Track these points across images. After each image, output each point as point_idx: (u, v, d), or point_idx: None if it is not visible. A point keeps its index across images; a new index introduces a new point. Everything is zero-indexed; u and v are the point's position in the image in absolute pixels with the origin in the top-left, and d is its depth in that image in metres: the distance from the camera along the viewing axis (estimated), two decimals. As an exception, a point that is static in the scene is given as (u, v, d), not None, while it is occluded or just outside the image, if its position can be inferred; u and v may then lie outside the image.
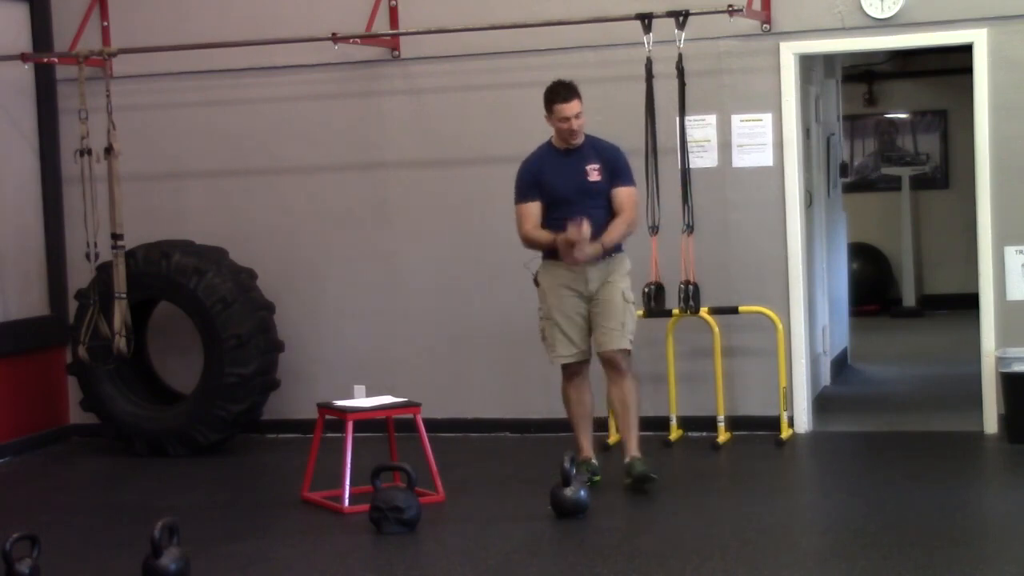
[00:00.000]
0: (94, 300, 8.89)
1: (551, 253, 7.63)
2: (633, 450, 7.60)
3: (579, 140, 7.64)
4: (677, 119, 8.31)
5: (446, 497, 7.57)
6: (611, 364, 7.62)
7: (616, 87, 8.98)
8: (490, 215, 9.31)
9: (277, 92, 9.62)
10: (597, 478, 7.63)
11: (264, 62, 9.52)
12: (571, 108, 7.54)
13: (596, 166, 7.60)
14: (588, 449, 7.76)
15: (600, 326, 7.60)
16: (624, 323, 7.59)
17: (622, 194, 7.60)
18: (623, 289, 7.61)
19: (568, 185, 7.59)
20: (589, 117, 8.93)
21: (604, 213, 7.57)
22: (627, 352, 7.63)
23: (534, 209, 7.62)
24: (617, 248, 7.63)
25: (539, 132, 9.19)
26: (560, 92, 7.57)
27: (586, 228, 7.34)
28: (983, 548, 6.45)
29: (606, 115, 9.04)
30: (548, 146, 7.74)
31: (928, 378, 11.00)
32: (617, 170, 7.62)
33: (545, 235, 7.58)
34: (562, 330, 7.66)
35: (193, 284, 9.01)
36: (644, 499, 7.40)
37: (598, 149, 7.67)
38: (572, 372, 7.74)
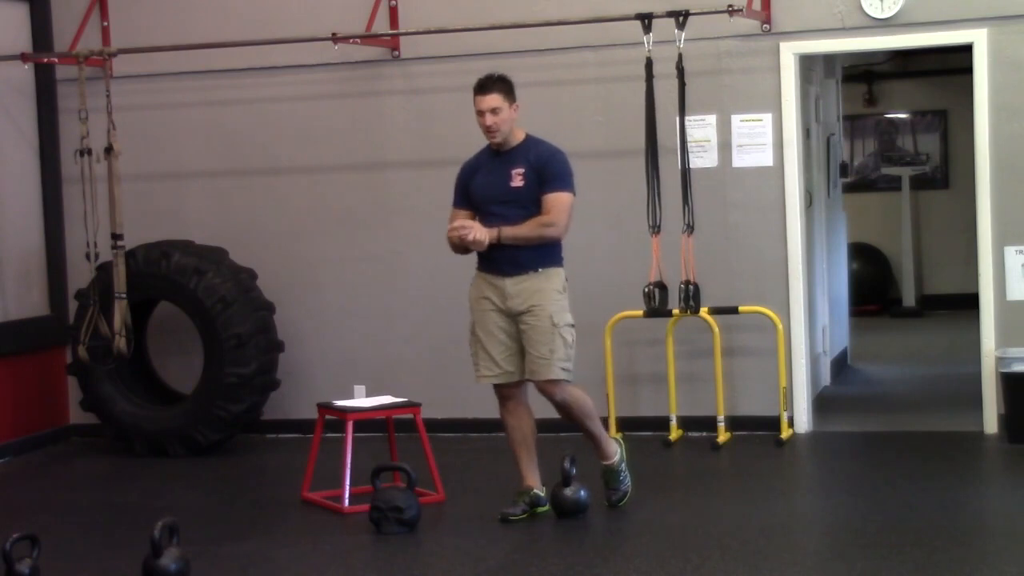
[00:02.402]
0: (94, 300, 8.89)
1: (480, 264, 7.11)
2: (605, 456, 7.25)
3: (497, 139, 6.97)
4: (677, 119, 8.30)
5: (446, 497, 7.57)
6: (544, 394, 7.10)
7: (616, 87, 8.99)
8: (490, 215, 9.31)
9: (277, 92, 9.62)
10: (541, 509, 7.14)
11: (264, 62, 9.52)
12: (486, 101, 6.91)
13: (521, 171, 6.95)
14: (530, 478, 7.16)
15: (528, 353, 7.01)
16: (553, 350, 6.94)
17: (547, 200, 6.90)
18: (551, 313, 6.94)
19: (492, 190, 7.00)
20: (588, 117, 8.99)
21: (519, 220, 6.95)
22: (558, 381, 7.00)
23: (459, 215, 7.11)
24: (545, 261, 7.00)
25: (538, 132, 9.21)
26: (480, 83, 6.97)
27: (471, 231, 6.88)
28: (983, 548, 6.45)
29: (606, 115, 9.06)
30: (487, 148, 7.13)
31: (928, 378, 11.00)
32: (547, 175, 6.95)
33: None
34: (484, 347, 7.10)
35: (193, 284, 9.01)
36: (644, 499, 7.39)
37: (533, 153, 7.01)
38: (503, 395, 7.18)
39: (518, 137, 7.09)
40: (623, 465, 7.32)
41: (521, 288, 7.00)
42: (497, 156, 7.09)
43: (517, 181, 7.00)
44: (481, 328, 7.13)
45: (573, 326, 7.07)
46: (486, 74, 7.08)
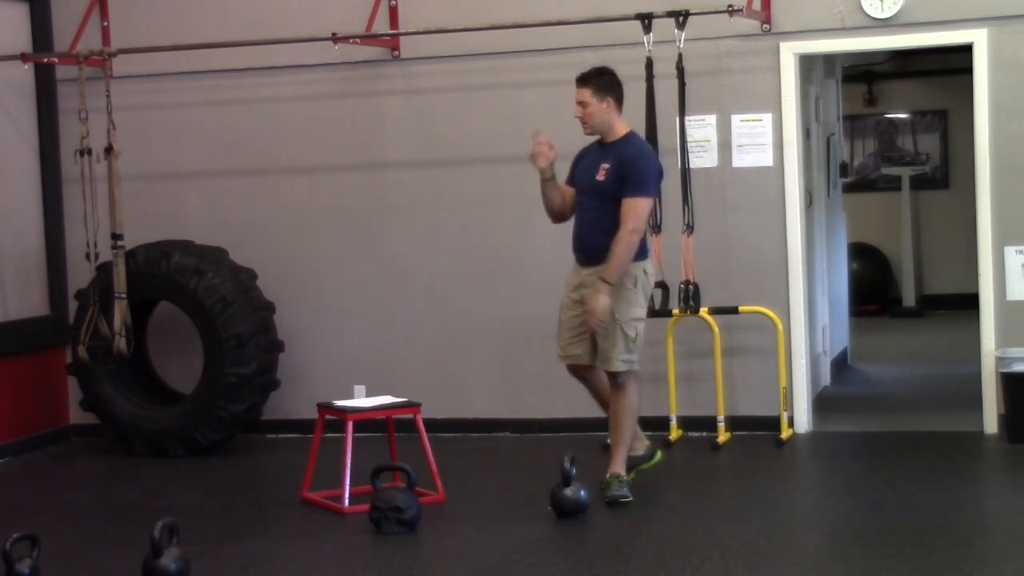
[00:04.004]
0: (94, 300, 8.89)
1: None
2: (615, 466, 7.36)
3: (587, 131, 7.32)
4: (677, 119, 8.31)
5: (446, 497, 7.56)
6: (609, 380, 7.40)
7: (616, 87, 8.99)
8: (490, 215, 9.31)
9: (277, 92, 9.62)
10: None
11: (264, 62, 9.52)
12: (577, 94, 7.28)
13: (607, 166, 7.23)
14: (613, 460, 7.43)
15: (598, 344, 7.32)
16: (614, 344, 7.21)
17: (624, 205, 7.14)
18: (613, 309, 7.17)
19: (585, 179, 7.34)
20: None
21: (605, 215, 7.18)
22: (620, 373, 7.26)
23: (569, 191, 7.46)
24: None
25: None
26: (579, 75, 7.34)
27: (593, 318, 7.14)
28: (983, 548, 6.45)
29: (606, 115, 9.05)
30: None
31: (928, 378, 10.99)
32: (625, 177, 7.19)
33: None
34: (559, 329, 7.47)
35: (193, 284, 9.01)
36: (644, 499, 7.39)
37: (621, 152, 7.27)
38: (576, 375, 7.49)
39: (618, 132, 7.35)
40: (626, 484, 7.33)
41: (592, 280, 7.21)
42: (600, 147, 7.39)
43: (601, 175, 7.29)
44: (561, 311, 7.46)
45: (640, 319, 7.28)
46: (593, 66, 7.39)
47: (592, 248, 7.25)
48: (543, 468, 7.76)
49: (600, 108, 7.25)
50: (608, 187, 7.23)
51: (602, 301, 7.10)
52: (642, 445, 7.58)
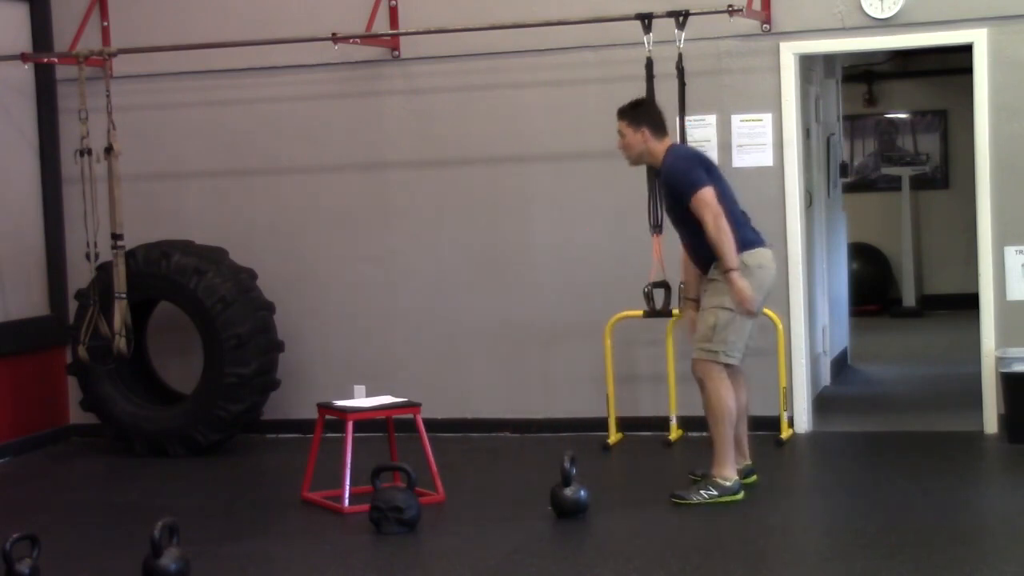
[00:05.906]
0: (94, 300, 8.89)
1: None
2: (712, 466, 7.35)
3: (628, 162, 7.52)
4: (677, 119, 8.30)
5: (446, 497, 7.57)
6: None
7: (616, 87, 8.96)
8: (490, 215, 9.31)
9: (277, 92, 9.62)
10: (748, 480, 7.49)
11: (264, 62, 9.52)
12: (618, 125, 7.43)
13: (663, 191, 7.55)
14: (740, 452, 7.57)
15: None
16: (699, 331, 7.35)
17: (692, 207, 7.22)
18: (709, 299, 7.35)
19: (665, 211, 7.65)
20: (591, 118, 8.97)
21: (691, 234, 7.33)
22: (703, 362, 7.34)
23: (691, 271, 7.63)
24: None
25: (538, 132, 9.22)
26: (618, 109, 7.47)
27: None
28: (983, 548, 6.45)
29: (607, 115, 9.03)
30: None
31: (928, 378, 10.99)
32: (675, 187, 7.30)
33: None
34: None
35: (193, 284, 9.00)
36: (644, 499, 7.40)
37: (663, 170, 7.39)
38: None
39: (659, 156, 7.41)
40: (712, 491, 7.25)
41: (717, 279, 7.36)
42: (656, 179, 7.74)
43: (668, 201, 7.50)
44: None
45: (725, 308, 7.25)
46: (631, 99, 7.51)
47: (703, 260, 7.36)
48: (543, 468, 7.76)
49: (636, 139, 7.36)
50: (673, 210, 7.42)
51: (739, 286, 7.16)
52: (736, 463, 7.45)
